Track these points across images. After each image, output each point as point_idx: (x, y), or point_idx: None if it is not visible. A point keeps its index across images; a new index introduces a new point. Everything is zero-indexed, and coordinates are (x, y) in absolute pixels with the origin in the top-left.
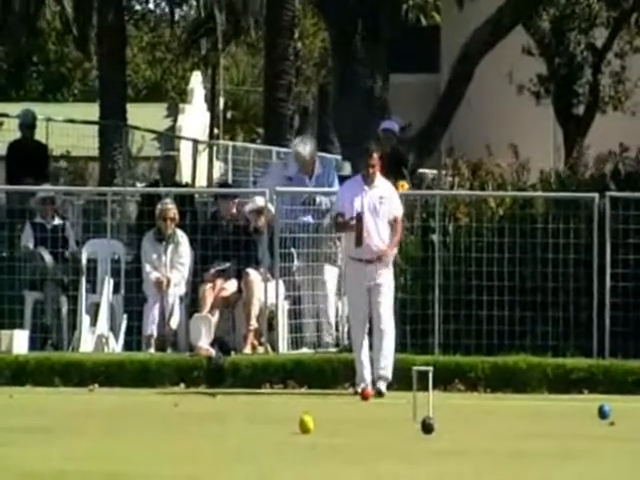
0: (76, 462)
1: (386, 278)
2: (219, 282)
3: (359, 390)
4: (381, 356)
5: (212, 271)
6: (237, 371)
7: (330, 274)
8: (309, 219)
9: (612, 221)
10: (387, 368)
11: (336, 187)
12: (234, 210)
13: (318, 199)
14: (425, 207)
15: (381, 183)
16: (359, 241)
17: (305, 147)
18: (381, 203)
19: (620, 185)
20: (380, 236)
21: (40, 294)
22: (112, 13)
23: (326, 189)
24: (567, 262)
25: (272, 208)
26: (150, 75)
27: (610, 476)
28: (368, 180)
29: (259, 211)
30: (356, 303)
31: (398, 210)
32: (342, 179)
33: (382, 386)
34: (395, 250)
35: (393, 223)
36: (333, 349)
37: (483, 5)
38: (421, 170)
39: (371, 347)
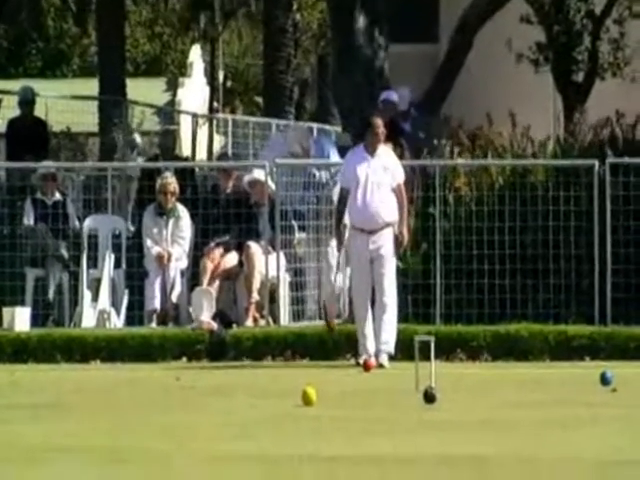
0: (79, 438)
1: (389, 249)
2: (219, 254)
3: (361, 361)
4: (383, 330)
5: (212, 244)
6: (239, 344)
7: (332, 246)
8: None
9: (612, 188)
10: (389, 342)
11: (335, 158)
12: (232, 183)
13: (317, 173)
14: (424, 177)
15: (384, 152)
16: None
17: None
18: (384, 171)
19: (617, 151)
20: (384, 206)
21: (41, 270)
22: None
23: (325, 161)
24: (568, 229)
25: (272, 183)
26: (149, 49)
27: (613, 442)
28: (371, 149)
29: (257, 183)
30: (359, 274)
31: (400, 177)
32: (342, 150)
33: (384, 360)
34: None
35: (396, 190)
36: (335, 320)
37: None
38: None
39: (373, 319)
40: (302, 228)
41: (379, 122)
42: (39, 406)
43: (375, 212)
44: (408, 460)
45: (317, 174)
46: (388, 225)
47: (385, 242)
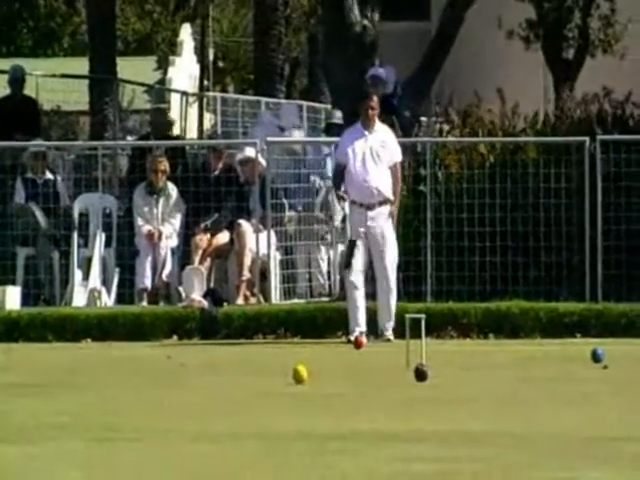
0: (71, 416)
1: (388, 228)
2: (210, 233)
3: (352, 338)
4: (386, 313)
5: (202, 225)
6: (230, 322)
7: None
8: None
9: (603, 164)
10: (392, 320)
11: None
12: (222, 162)
13: (312, 178)
14: (415, 154)
15: (380, 128)
16: (348, 264)
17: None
18: (382, 147)
19: (605, 128)
20: (382, 181)
21: (32, 249)
22: None
23: (317, 139)
24: (558, 207)
25: (263, 160)
26: (139, 28)
27: (604, 419)
28: (368, 124)
29: (248, 161)
30: (355, 251)
31: (398, 156)
32: (333, 127)
33: (391, 335)
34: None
35: (393, 169)
36: (325, 298)
37: None
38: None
39: (374, 297)
40: (292, 206)
41: (374, 98)
42: (30, 385)
43: (373, 186)
44: (399, 437)
45: (312, 179)
46: (386, 201)
47: (383, 220)
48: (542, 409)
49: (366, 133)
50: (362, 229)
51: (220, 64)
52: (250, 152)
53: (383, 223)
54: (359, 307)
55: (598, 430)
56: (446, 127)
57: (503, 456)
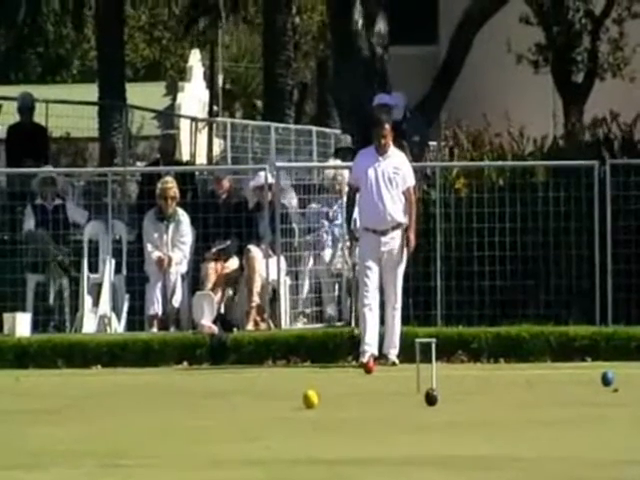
0: (83, 443)
1: (400, 253)
2: (221, 260)
3: (364, 360)
4: (394, 333)
5: (214, 250)
6: (240, 348)
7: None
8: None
9: (612, 188)
10: (397, 344)
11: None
12: (226, 186)
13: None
14: (425, 179)
15: (394, 154)
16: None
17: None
18: (395, 173)
19: (612, 152)
20: (395, 206)
21: (42, 276)
22: None
23: (329, 163)
24: (568, 230)
25: (287, 182)
26: (148, 54)
27: (615, 443)
28: (381, 151)
29: (263, 188)
30: (369, 274)
31: (411, 180)
32: (342, 151)
33: (396, 358)
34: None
35: (406, 193)
36: (337, 323)
37: None
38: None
39: (382, 321)
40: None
41: (386, 126)
42: (41, 411)
43: (386, 212)
44: (410, 462)
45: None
46: (399, 225)
47: (396, 245)
48: (552, 433)
49: (380, 159)
50: (376, 254)
51: (228, 86)
52: (264, 179)
53: (396, 246)
54: (371, 327)
55: (608, 454)
56: (456, 151)
57: None
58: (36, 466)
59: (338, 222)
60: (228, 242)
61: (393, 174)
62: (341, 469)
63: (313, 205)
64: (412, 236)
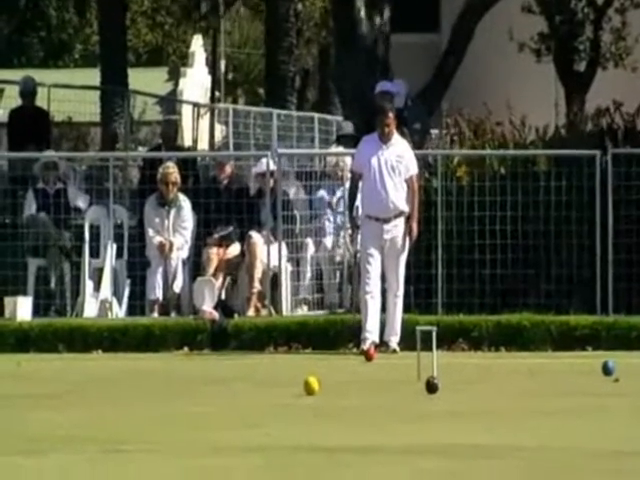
0: (83, 428)
1: (403, 241)
2: (223, 246)
3: (365, 348)
4: (395, 321)
5: (216, 236)
6: (241, 334)
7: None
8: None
9: (614, 178)
10: (399, 331)
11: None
12: (228, 171)
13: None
14: (427, 166)
15: (397, 142)
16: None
17: None
18: (398, 162)
19: (616, 142)
20: (397, 194)
21: (43, 260)
22: None
23: (331, 150)
24: (569, 219)
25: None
26: (151, 39)
27: (616, 432)
28: (384, 139)
29: (265, 174)
30: (372, 262)
31: (413, 168)
32: (344, 138)
33: (397, 346)
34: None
35: (409, 181)
36: (338, 310)
37: None
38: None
39: (383, 309)
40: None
41: (389, 115)
42: (41, 396)
43: (389, 200)
44: (410, 450)
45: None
46: (401, 213)
47: (399, 233)
48: (553, 422)
49: (383, 147)
50: (379, 242)
51: (230, 76)
52: (265, 165)
53: (399, 234)
54: (372, 315)
55: (608, 444)
56: (457, 139)
57: (514, 470)
58: (36, 451)
59: (340, 209)
60: (230, 228)
61: (396, 162)
62: (341, 456)
63: (321, 192)
64: (414, 225)
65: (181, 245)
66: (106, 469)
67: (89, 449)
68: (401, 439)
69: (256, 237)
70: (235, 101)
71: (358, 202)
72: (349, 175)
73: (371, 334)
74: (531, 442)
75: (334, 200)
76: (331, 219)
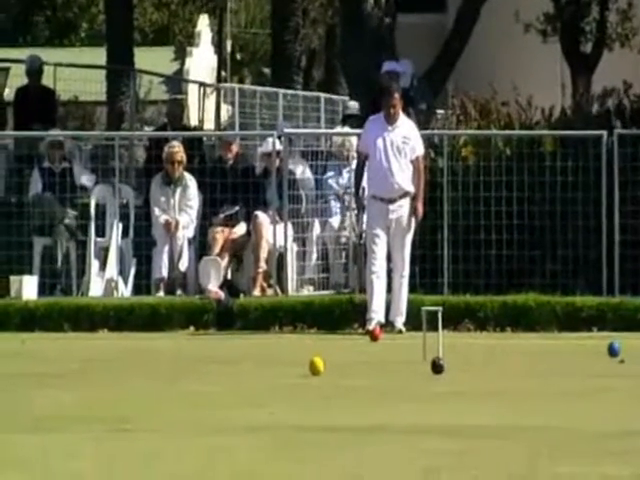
0: (87, 407)
1: (408, 221)
2: (229, 226)
3: (370, 328)
4: (400, 300)
5: (222, 215)
6: (246, 314)
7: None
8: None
9: (620, 159)
10: (404, 311)
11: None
12: (235, 151)
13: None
14: (432, 147)
15: (403, 123)
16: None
17: None
18: (404, 143)
19: (625, 122)
20: (403, 175)
21: (49, 239)
22: None
23: (337, 130)
24: (575, 200)
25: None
26: (157, 18)
27: (621, 413)
28: (390, 120)
29: (271, 154)
30: (377, 242)
31: (419, 149)
32: (350, 118)
33: (402, 326)
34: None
35: (415, 162)
36: (344, 290)
37: None
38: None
39: (389, 289)
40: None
41: (395, 95)
42: (47, 375)
43: (394, 180)
44: (415, 430)
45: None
46: (406, 194)
47: (404, 213)
48: (558, 403)
49: (389, 127)
50: (384, 222)
51: (238, 56)
52: (271, 145)
53: (404, 214)
54: (378, 295)
55: (613, 425)
56: (463, 119)
57: (520, 450)
58: (41, 429)
59: (346, 189)
60: (236, 208)
61: (402, 144)
62: (345, 436)
63: (329, 181)
64: (420, 205)
65: (187, 224)
66: (111, 448)
67: (94, 428)
68: (406, 419)
69: (262, 217)
70: (241, 81)
71: (364, 183)
72: (355, 155)
73: (377, 314)
74: (535, 422)
75: (339, 180)
76: (337, 199)
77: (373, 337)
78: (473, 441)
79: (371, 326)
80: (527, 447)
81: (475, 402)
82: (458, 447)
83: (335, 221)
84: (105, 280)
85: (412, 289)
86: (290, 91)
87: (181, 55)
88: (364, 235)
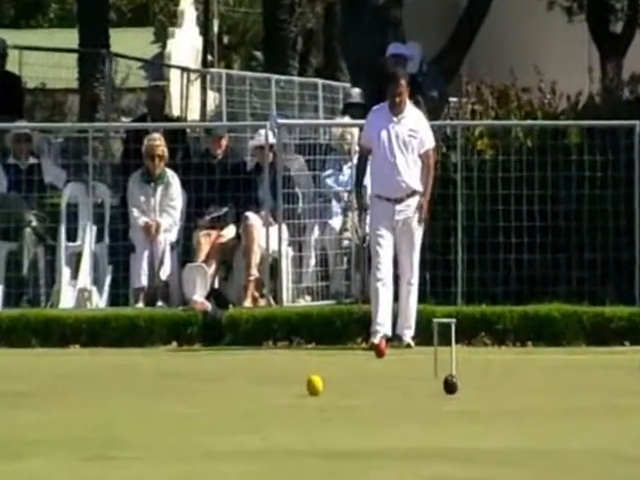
0: (61, 430)
1: (417, 222)
2: (216, 228)
3: (375, 342)
4: (409, 310)
5: (208, 217)
6: (236, 326)
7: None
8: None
9: None
10: (412, 321)
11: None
12: (223, 147)
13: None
14: (445, 139)
15: (410, 113)
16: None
17: None
18: (411, 136)
19: None
20: (410, 173)
21: (14, 244)
22: None
23: (337, 121)
24: (605, 198)
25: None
26: None
27: None
28: (396, 110)
29: (263, 147)
30: (382, 241)
31: (429, 142)
32: (352, 107)
33: (411, 340)
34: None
35: (424, 157)
36: (345, 300)
37: None
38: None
39: (395, 298)
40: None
41: (401, 82)
42: (13, 394)
43: (400, 178)
44: (421, 455)
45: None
46: (414, 193)
47: (412, 213)
48: (584, 424)
49: (394, 119)
50: (390, 224)
51: (225, 38)
52: (264, 138)
53: (412, 215)
54: (384, 305)
55: None
56: (479, 108)
57: (536, 478)
58: (10, 456)
59: (348, 187)
60: (225, 209)
61: (409, 137)
62: (346, 462)
63: (327, 180)
64: (425, 204)
65: (169, 226)
66: (89, 476)
67: (68, 454)
68: (411, 443)
69: (253, 218)
70: (229, 66)
71: (367, 181)
72: (357, 149)
73: (382, 327)
74: (558, 446)
75: (340, 177)
76: (338, 198)
77: (378, 352)
78: (483, 468)
79: (376, 340)
80: (546, 474)
81: (488, 423)
82: (466, 474)
83: (335, 223)
84: (77, 290)
85: (422, 298)
86: (284, 77)
87: (162, 37)
88: (368, 238)
